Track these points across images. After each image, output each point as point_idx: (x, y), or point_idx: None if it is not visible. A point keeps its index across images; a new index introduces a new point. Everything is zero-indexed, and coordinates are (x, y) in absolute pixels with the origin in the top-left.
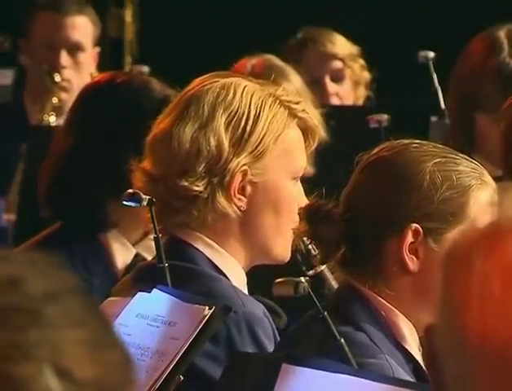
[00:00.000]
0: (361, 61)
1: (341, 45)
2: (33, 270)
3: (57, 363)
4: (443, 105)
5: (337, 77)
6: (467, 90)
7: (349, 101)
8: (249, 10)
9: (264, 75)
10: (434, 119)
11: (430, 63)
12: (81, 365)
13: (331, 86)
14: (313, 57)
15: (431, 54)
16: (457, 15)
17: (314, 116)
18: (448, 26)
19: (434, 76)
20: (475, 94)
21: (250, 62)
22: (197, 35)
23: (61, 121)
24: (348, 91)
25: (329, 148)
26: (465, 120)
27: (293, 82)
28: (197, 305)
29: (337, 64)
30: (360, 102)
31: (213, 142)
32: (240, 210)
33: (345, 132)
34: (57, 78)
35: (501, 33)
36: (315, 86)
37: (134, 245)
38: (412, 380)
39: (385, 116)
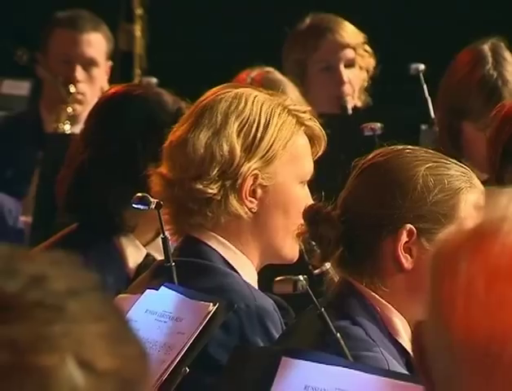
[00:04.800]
0: (368, 48)
1: (352, 33)
2: (57, 269)
3: (79, 355)
4: (432, 114)
5: (350, 65)
6: (454, 100)
7: (357, 85)
8: (251, 25)
9: (263, 87)
10: (424, 127)
11: (421, 74)
12: (101, 357)
13: (345, 73)
14: (330, 46)
15: (422, 67)
16: (446, 31)
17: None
18: (437, 40)
19: (425, 87)
20: (462, 104)
21: (250, 74)
22: (201, 48)
23: (75, 130)
24: (357, 76)
25: (326, 155)
26: (452, 128)
27: (291, 95)
28: (202, 302)
29: (351, 53)
30: (364, 85)
31: (226, 148)
32: (251, 212)
33: (341, 139)
34: (72, 89)
35: (486, 47)
36: (330, 73)
37: (145, 246)
38: (405, 372)
39: (378, 125)
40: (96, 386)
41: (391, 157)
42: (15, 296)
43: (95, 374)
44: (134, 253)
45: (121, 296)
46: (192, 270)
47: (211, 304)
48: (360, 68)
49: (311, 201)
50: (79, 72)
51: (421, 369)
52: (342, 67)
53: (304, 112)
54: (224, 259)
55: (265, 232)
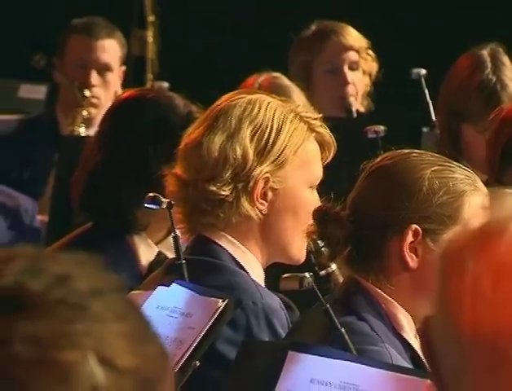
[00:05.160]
0: (371, 53)
1: (356, 37)
2: (81, 269)
3: (100, 352)
4: (433, 117)
5: (354, 67)
6: (454, 104)
7: (361, 89)
8: (258, 31)
9: (270, 93)
10: (425, 130)
11: (422, 79)
12: (121, 355)
13: (349, 75)
14: (334, 48)
15: (423, 71)
16: (446, 36)
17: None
18: (437, 45)
19: (426, 91)
20: (461, 107)
21: (258, 80)
22: (210, 53)
23: (90, 132)
24: (361, 79)
25: (332, 157)
26: (452, 131)
27: (297, 100)
28: (212, 298)
29: (354, 55)
30: (366, 90)
31: (239, 152)
32: (262, 213)
33: (345, 142)
34: (87, 93)
35: (485, 52)
36: (334, 75)
37: (157, 244)
38: (409, 366)
39: (381, 127)
40: (116, 383)
41: (398, 160)
42: (39, 294)
43: (116, 371)
44: (146, 251)
45: (133, 292)
46: (202, 268)
47: (220, 300)
48: (364, 72)
49: (319, 205)
50: (94, 77)
51: (430, 363)
52: (346, 68)
53: (315, 119)
54: (233, 258)
55: (274, 233)
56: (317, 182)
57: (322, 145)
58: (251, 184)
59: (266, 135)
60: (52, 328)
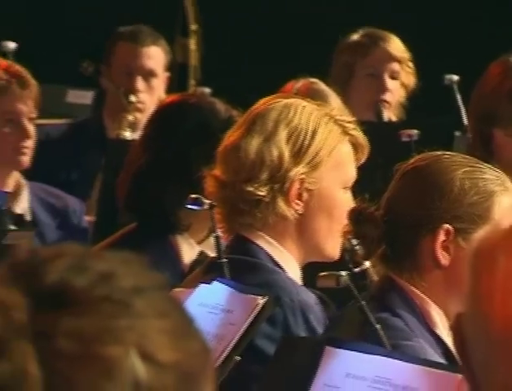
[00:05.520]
0: (411, 65)
1: (400, 49)
2: (125, 267)
3: (142, 347)
4: (465, 122)
5: (394, 76)
6: (485, 109)
7: (397, 98)
8: (296, 39)
9: (308, 97)
10: (457, 134)
11: (454, 85)
12: (163, 350)
13: (389, 83)
14: (379, 54)
15: (455, 78)
16: (478, 44)
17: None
18: (469, 53)
19: (458, 96)
20: (492, 112)
21: (296, 85)
22: (250, 60)
23: (135, 136)
24: (398, 89)
25: (367, 159)
26: (483, 135)
27: (334, 104)
28: (252, 296)
29: (396, 66)
30: (402, 99)
31: (275, 154)
32: (297, 213)
33: (380, 145)
34: (132, 99)
35: None
36: (375, 80)
37: (199, 244)
38: (442, 361)
39: (415, 131)
40: (157, 377)
41: (431, 162)
42: (83, 290)
43: (157, 366)
44: (188, 251)
45: (176, 290)
46: (241, 266)
47: (260, 297)
48: (402, 83)
49: (353, 205)
50: (139, 83)
51: (462, 358)
52: (386, 76)
53: (349, 122)
54: (271, 257)
55: (309, 232)
56: (351, 183)
57: (355, 147)
58: (287, 185)
59: (301, 138)
60: (96, 324)
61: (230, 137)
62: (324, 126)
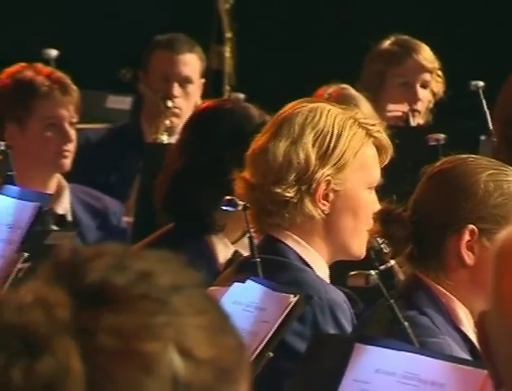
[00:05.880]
0: (441, 74)
1: (431, 59)
2: (163, 266)
3: (180, 343)
4: (491, 126)
5: (425, 86)
6: (509, 113)
7: (426, 105)
8: (327, 47)
9: (339, 102)
10: (483, 138)
11: (480, 90)
12: (200, 346)
13: (420, 93)
14: (412, 65)
15: (481, 84)
16: (503, 51)
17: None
18: (494, 59)
19: (484, 101)
20: None
21: (328, 90)
22: (283, 66)
23: (172, 140)
24: (427, 98)
25: (396, 162)
26: (508, 138)
27: (364, 109)
28: (284, 294)
29: (427, 76)
30: (430, 105)
31: (302, 156)
32: (324, 213)
33: (408, 149)
34: (169, 104)
35: None
36: (406, 89)
37: (233, 244)
38: (468, 357)
39: (442, 136)
40: (195, 372)
41: (456, 165)
42: (123, 288)
43: (194, 361)
44: (223, 250)
45: (211, 288)
46: (271, 265)
47: (292, 296)
48: (431, 91)
49: (377, 205)
50: (176, 89)
51: (486, 355)
52: (418, 86)
53: (373, 125)
54: (299, 256)
55: (336, 232)
56: (375, 183)
57: (379, 149)
58: (314, 186)
59: (327, 140)
60: (135, 321)
61: (258, 141)
62: (348, 129)
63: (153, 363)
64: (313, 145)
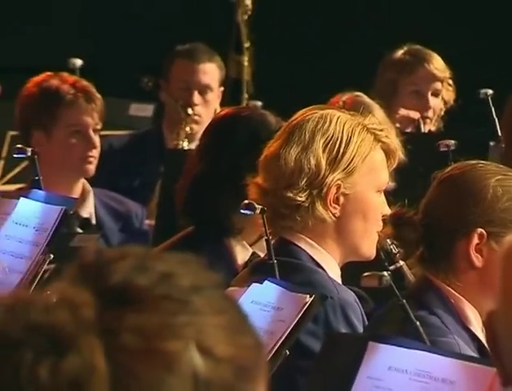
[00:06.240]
0: (451, 83)
1: (443, 68)
2: (183, 268)
3: (200, 342)
4: (499, 133)
5: (436, 94)
6: None
7: (437, 112)
8: (341, 56)
9: (353, 109)
10: (492, 144)
11: (489, 98)
12: (219, 345)
13: (432, 101)
14: (423, 74)
15: (490, 92)
16: (511, 61)
17: (396, 142)
18: (503, 69)
19: (492, 109)
20: None
21: (342, 98)
22: (300, 75)
23: (192, 146)
24: (438, 106)
25: (408, 168)
26: None
27: (377, 116)
28: (300, 294)
29: (439, 85)
30: (441, 112)
31: (312, 162)
32: (335, 216)
33: (420, 154)
34: (190, 111)
35: None
36: (418, 97)
37: (251, 246)
38: (476, 355)
39: (452, 142)
40: (214, 370)
41: (466, 170)
42: (145, 289)
43: (214, 359)
44: (241, 252)
45: (229, 288)
46: (285, 267)
47: (308, 296)
48: (442, 99)
49: (386, 207)
50: (196, 97)
51: (494, 353)
52: (429, 94)
53: (381, 130)
54: (312, 258)
55: (346, 234)
56: (384, 187)
57: (387, 153)
58: (324, 190)
59: (336, 146)
60: (157, 320)
61: (270, 147)
62: (357, 135)
63: (174, 361)
64: (323, 151)
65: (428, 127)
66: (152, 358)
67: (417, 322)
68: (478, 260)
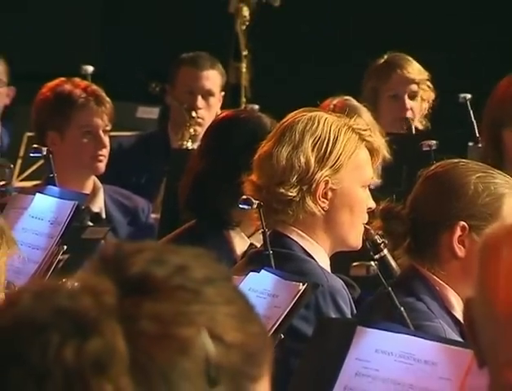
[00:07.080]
0: (429, 83)
1: (418, 71)
2: (197, 260)
3: (212, 329)
4: (477, 134)
5: (413, 96)
6: (495, 114)
7: (418, 113)
8: (333, 63)
9: (343, 112)
10: (470, 144)
11: (468, 102)
12: (229, 332)
13: (408, 103)
14: (398, 79)
15: (468, 96)
16: (489, 67)
17: (379, 141)
18: (481, 75)
19: (471, 112)
20: (502, 115)
21: (333, 101)
22: (294, 80)
23: (196, 146)
24: (418, 106)
25: (393, 166)
26: (494, 138)
27: (365, 118)
28: (294, 282)
29: (414, 87)
30: (424, 113)
31: (302, 160)
32: (324, 210)
33: (404, 154)
34: (193, 114)
35: None
36: (396, 101)
37: (249, 237)
38: (459, 339)
39: (434, 142)
40: (225, 355)
41: (449, 168)
42: (162, 280)
43: (224, 345)
44: (240, 243)
45: None
46: (278, 257)
47: (301, 284)
48: (422, 99)
49: (371, 201)
50: (200, 101)
51: (471, 337)
52: (406, 97)
53: (365, 130)
54: (303, 248)
55: (334, 226)
56: (368, 182)
57: (371, 151)
58: (314, 186)
59: (324, 145)
60: (172, 308)
61: (263, 147)
62: (343, 135)
63: (188, 346)
64: (312, 150)
65: (414, 124)
66: (168, 342)
67: (402, 308)
68: (460, 250)
